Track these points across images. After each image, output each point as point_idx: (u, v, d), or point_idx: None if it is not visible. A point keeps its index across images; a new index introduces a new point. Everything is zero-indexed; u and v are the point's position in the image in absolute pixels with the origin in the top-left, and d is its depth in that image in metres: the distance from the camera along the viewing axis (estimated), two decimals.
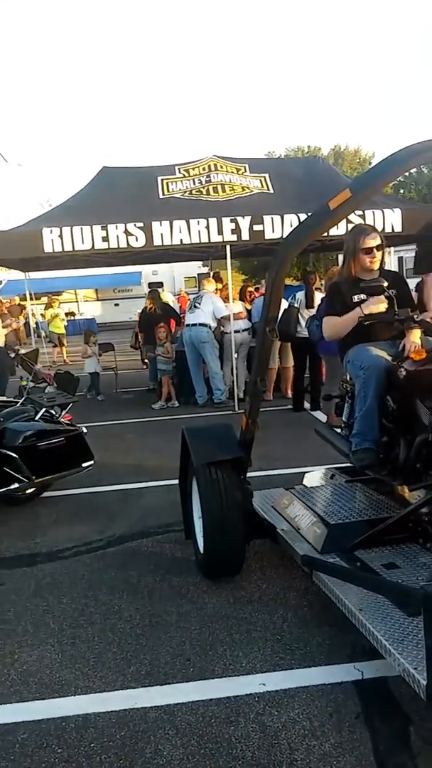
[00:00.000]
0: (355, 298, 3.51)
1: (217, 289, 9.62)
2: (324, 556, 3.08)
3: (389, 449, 3.39)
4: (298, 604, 3.27)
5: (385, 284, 3.48)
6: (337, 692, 2.55)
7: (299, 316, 8.03)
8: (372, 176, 2.44)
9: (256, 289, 12.25)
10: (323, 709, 2.46)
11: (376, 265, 3.61)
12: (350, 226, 7.54)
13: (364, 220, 7.37)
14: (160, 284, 22.18)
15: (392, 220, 7.96)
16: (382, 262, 3.69)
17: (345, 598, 2.70)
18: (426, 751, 2.20)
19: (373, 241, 3.57)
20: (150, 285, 21.63)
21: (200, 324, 8.88)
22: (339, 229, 7.16)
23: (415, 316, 3.42)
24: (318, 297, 8.23)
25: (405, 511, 3.01)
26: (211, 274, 11.21)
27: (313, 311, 7.99)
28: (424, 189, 40.25)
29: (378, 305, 3.39)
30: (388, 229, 7.78)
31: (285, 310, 6.64)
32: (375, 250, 3.57)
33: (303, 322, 8.03)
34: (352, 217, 7.48)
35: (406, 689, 2.27)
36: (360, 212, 7.65)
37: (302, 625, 3.07)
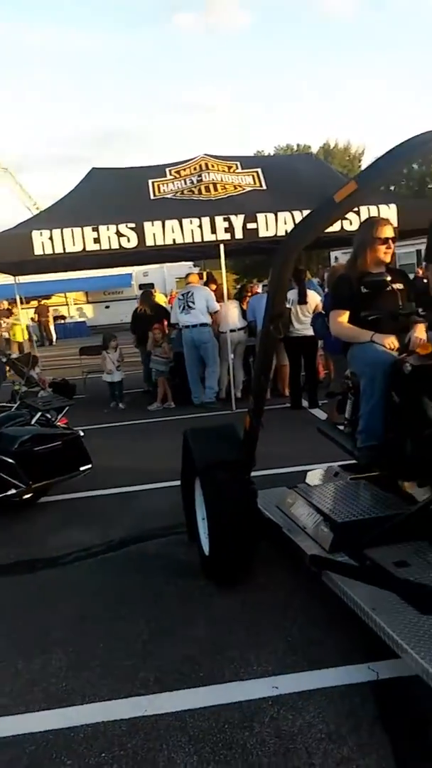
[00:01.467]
0: (362, 290, 3.47)
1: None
2: (332, 555, 3.03)
3: (394, 445, 3.34)
4: (308, 605, 3.22)
5: (388, 278, 3.46)
6: (353, 694, 2.50)
7: (291, 314, 8.01)
8: (378, 168, 2.40)
9: (250, 288, 12.21)
10: (339, 711, 2.41)
11: (389, 258, 3.57)
12: (345, 222, 7.56)
13: (359, 215, 7.34)
14: (151, 285, 22.10)
15: (388, 215, 7.92)
16: (392, 257, 3.66)
17: (357, 597, 2.65)
18: None
19: (390, 231, 3.54)
20: (141, 286, 21.56)
21: (201, 324, 8.77)
22: (334, 226, 7.12)
23: (420, 311, 3.39)
24: (310, 294, 8.21)
25: (415, 507, 2.98)
26: (204, 274, 11.14)
27: (306, 306, 7.99)
28: (414, 185, 40.41)
29: (391, 339, 3.32)
30: None
31: None
32: (390, 241, 3.54)
33: (295, 322, 8.04)
34: (348, 214, 7.44)
35: (424, 689, 2.21)
36: (355, 208, 7.62)
37: (313, 627, 3.02)
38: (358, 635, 2.78)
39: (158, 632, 3.14)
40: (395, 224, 7.93)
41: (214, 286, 9.83)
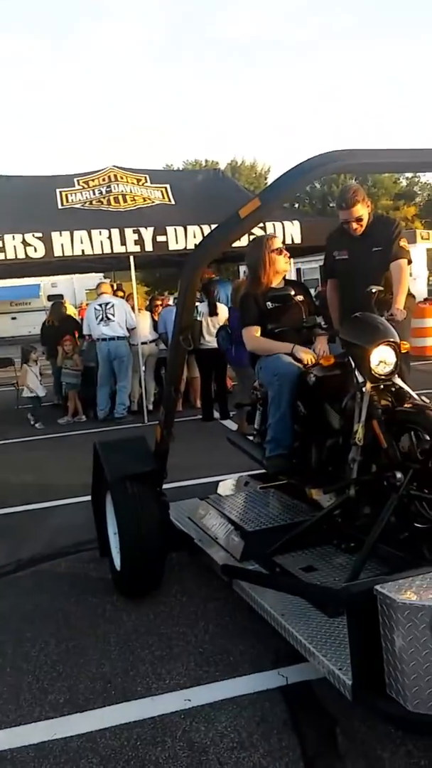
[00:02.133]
0: (269, 305, 3.58)
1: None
2: (243, 563, 3.08)
3: (301, 454, 3.46)
4: (220, 615, 3.25)
5: (292, 292, 3.59)
6: (264, 700, 2.54)
7: (202, 326, 8.10)
8: (280, 186, 2.47)
9: (161, 300, 12.23)
10: (250, 719, 2.44)
11: (288, 265, 3.71)
12: (251, 237, 7.74)
13: (265, 231, 7.54)
14: (61, 297, 21.68)
15: (291, 231, 8.22)
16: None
17: (266, 604, 2.70)
18: (352, 750, 2.23)
19: (279, 243, 3.69)
20: (50, 297, 21.07)
21: (119, 338, 8.63)
22: (241, 240, 7.29)
23: (322, 324, 3.53)
24: (220, 306, 8.33)
25: (320, 514, 3.07)
26: (114, 285, 11.04)
27: (217, 319, 8.10)
28: (317, 203, 41.99)
29: (311, 356, 3.44)
30: (288, 241, 8.01)
31: None
32: (284, 249, 3.68)
33: (206, 334, 8.13)
34: (253, 229, 7.64)
35: (330, 690, 2.29)
36: (261, 224, 7.83)
37: (225, 636, 3.05)
38: (269, 642, 2.83)
39: (68, 652, 3.06)
40: (299, 240, 8.30)
41: (121, 294, 9.77)
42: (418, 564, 2.32)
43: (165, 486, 3.73)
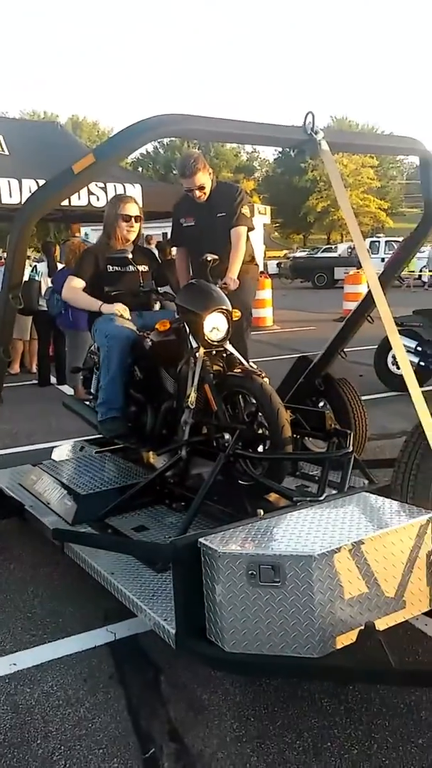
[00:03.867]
0: (108, 268, 3.55)
1: None
2: (75, 527, 3.07)
3: (137, 418, 3.49)
4: (50, 580, 3.22)
5: (129, 257, 3.57)
6: (91, 657, 2.57)
7: (40, 287, 7.78)
8: (115, 143, 2.43)
9: None
10: (77, 676, 2.47)
11: (133, 235, 3.67)
12: (92, 198, 7.56)
13: (106, 192, 7.38)
14: None
15: (133, 194, 8.10)
16: (138, 235, 3.76)
17: (97, 565, 2.73)
18: (175, 695, 2.35)
19: (134, 210, 3.63)
20: None
21: None
22: (81, 199, 7.08)
23: (159, 290, 3.56)
24: (60, 267, 8.05)
25: (152, 475, 3.15)
26: None
27: None
28: (161, 169, 41.77)
29: (118, 307, 3.44)
30: None
31: (26, 282, 6.39)
32: (134, 219, 3.62)
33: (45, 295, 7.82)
34: (93, 189, 7.45)
35: (156, 642, 2.38)
36: (102, 185, 7.65)
37: (54, 599, 3.03)
38: (99, 602, 2.87)
39: None
40: (140, 204, 8.22)
41: None
42: (241, 518, 2.47)
43: None
